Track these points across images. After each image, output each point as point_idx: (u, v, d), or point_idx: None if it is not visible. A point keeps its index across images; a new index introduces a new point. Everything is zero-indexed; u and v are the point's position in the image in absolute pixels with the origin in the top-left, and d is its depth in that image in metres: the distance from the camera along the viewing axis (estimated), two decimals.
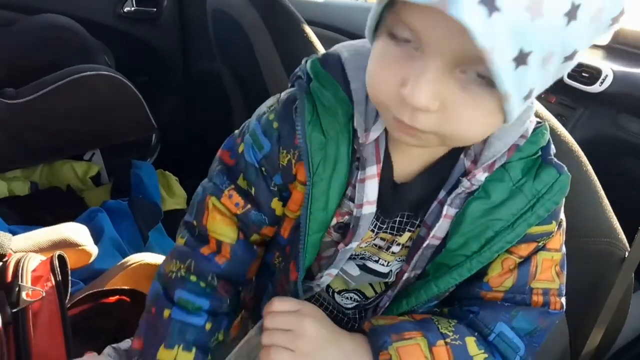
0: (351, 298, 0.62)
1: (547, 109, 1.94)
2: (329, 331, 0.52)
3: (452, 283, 0.52)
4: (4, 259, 0.68)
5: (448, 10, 0.31)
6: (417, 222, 0.54)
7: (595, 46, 1.82)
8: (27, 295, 0.58)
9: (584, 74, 1.60)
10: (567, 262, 0.58)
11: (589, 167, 0.71)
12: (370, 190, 0.50)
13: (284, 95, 0.54)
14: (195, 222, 0.58)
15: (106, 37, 1.70)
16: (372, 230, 0.54)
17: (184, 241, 0.59)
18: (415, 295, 0.55)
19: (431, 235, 0.51)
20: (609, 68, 1.55)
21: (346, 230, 0.53)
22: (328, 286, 0.62)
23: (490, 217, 0.49)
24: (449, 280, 0.52)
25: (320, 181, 0.50)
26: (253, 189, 0.55)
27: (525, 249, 0.53)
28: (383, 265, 0.58)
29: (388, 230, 0.55)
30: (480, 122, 0.40)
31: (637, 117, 1.49)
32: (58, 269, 0.63)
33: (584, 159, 0.71)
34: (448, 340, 0.52)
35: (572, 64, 0.39)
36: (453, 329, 0.53)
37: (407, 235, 0.55)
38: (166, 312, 0.56)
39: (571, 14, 0.34)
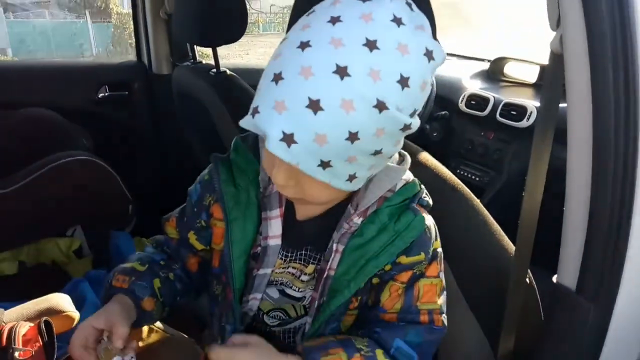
0: (276, 317, 0.75)
1: (487, 144, 2.09)
2: (268, 354, 0.65)
3: (339, 302, 0.66)
4: None
5: (267, 147, 0.51)
6: (318, 257, 0.70)
7: (525, 85, 2.04)
8: (20, 355, 0.70)
9: (512, 112, 1.80)
10: (474, 285, 0.72)
11: (476, 202, 0.87)
12: (274, 226, 0.68)
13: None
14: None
15: (84, 120, 1.88)
16: (282, 259, 0.70)
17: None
18: (317, 318, 0.69)
19: (328, 267, 0.67)
20: (532, 105, 1.75)
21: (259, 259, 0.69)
22: (260, 309, 0.74)
23: (364, 249, 0.66)
24: (336, 301, 0.66)
25: (236, 219, 0.69)
26: (185, 218, 0.78)
27: (405, 276, 0.68)
28: (296, 291, 0.72)
29: (297, 261, 0.71)
30: (323, 193, 0.60)
31: (562, 144, 1.66)
32: (45, 332, 0.76)
33: (469, 195, 0.86)
34: (362, 352, 0.65)
35: (387, 155, 0.59)
36: (366, 344, 0.67)
37: (312, 267, 0.70)
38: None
39: (352, 137, 0.51)
